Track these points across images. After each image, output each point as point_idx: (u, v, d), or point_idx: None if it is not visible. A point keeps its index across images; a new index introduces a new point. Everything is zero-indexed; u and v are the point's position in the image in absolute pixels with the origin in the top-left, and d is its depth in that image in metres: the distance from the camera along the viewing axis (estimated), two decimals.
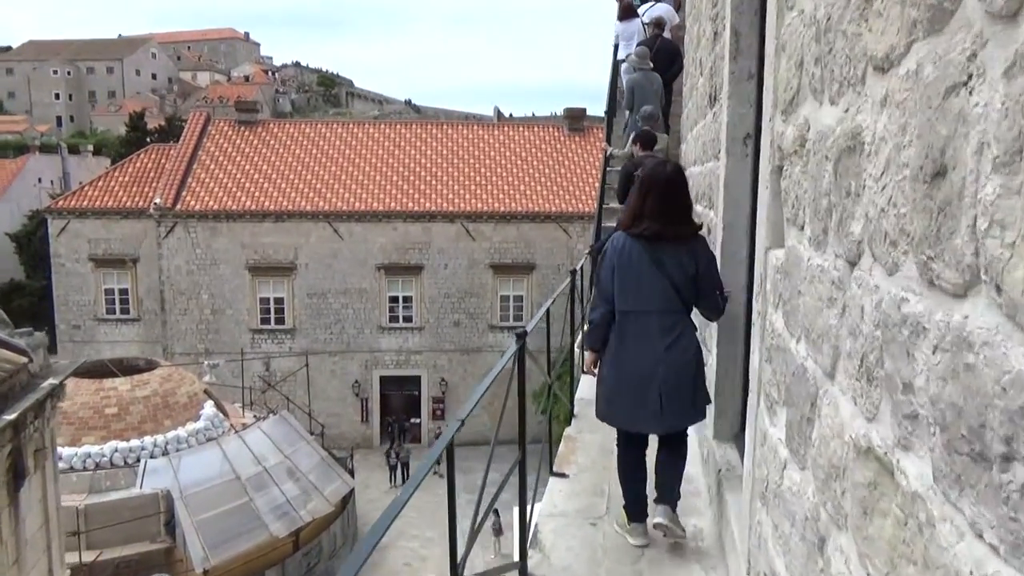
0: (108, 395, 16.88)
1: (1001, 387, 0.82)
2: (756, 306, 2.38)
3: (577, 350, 6.51)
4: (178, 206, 25.54)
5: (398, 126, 31.51)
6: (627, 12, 10.27)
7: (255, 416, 19.62)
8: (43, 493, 8.33)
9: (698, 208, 4.67)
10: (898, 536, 1.10)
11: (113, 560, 14.44)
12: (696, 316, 3.50)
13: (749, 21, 3.59)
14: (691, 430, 4.36)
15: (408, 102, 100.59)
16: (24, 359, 7.75)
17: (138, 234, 26.71)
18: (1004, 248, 0.82)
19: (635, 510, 3.43)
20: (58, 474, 8.95)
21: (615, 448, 3.58)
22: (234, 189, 26.38)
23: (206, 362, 23.00)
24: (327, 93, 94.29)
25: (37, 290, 34.28)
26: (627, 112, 9.06)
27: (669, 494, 3.42)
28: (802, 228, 1.82)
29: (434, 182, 27.34)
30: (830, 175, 1.55)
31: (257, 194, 26.31)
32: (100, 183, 28.38)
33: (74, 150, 53.78)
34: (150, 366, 18.99)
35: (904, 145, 1.13)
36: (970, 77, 0.92)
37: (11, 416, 7.04)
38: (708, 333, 3.90)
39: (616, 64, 10.49)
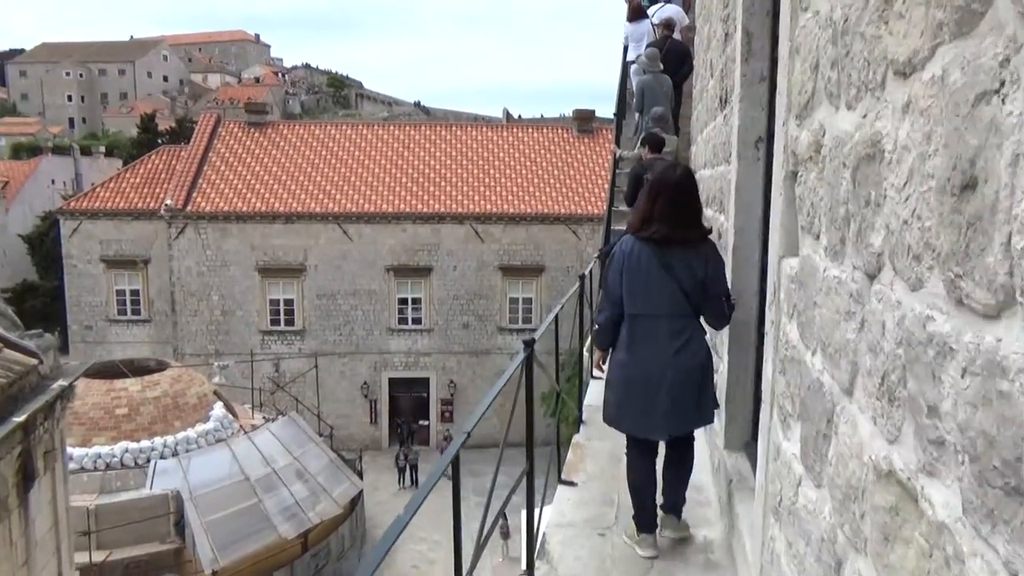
0: (119, 396, 16.95)
1: None
2: (769, 315, 2.32)
3: (586, 354, 6.46)
4: (189, 207, 25.65)
5: (407, 127, 31.54)
6: (636, 13, 10.20)
7: (264, 417, 19.66)
8: (53, 494, 8.35)
9: (708, 212, 4.61)
10: (922, 567, 1.04)
11: (123, 560, 14.49)
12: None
13: (761, 22, 3.52)
14: (701, 438, 4.33)
15: (417, 103, 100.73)
16: (34, 361, 7.77)
17: (149, 235, 26.84)
18: None
19: (644, 520, 3.38)
20: (68, 475, 8.97)
21: (624, 456, 3.54)
22: (244, 190, 26.46)
23: (216, 363, 23.09)
24: (337, 95, 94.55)
25: (49, 291, 34.48)
26: (637, 114, 9.00)
27: (675, 501, 3.42)
28: (818, 237, 1.76)
29: (443, 183, 27.33)
30: (848, 183, 1.49)
31: (267, 195, 26.39)
32: (112, 184, 28.55)
33: (86, 152, 54.16)
34: (160, 367, 19.07)
35: (929, 155, 1.07)
36: (1002, 84, 0.86)
37: (21, 418, 7.05)
38: (719, 339, 3.83)
39: (625, 66, 10.42)
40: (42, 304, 34.75)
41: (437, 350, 26.79)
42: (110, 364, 19.13)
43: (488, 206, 26.60)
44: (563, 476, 4.20)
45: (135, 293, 27.53)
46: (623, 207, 8.26)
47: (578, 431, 5.07)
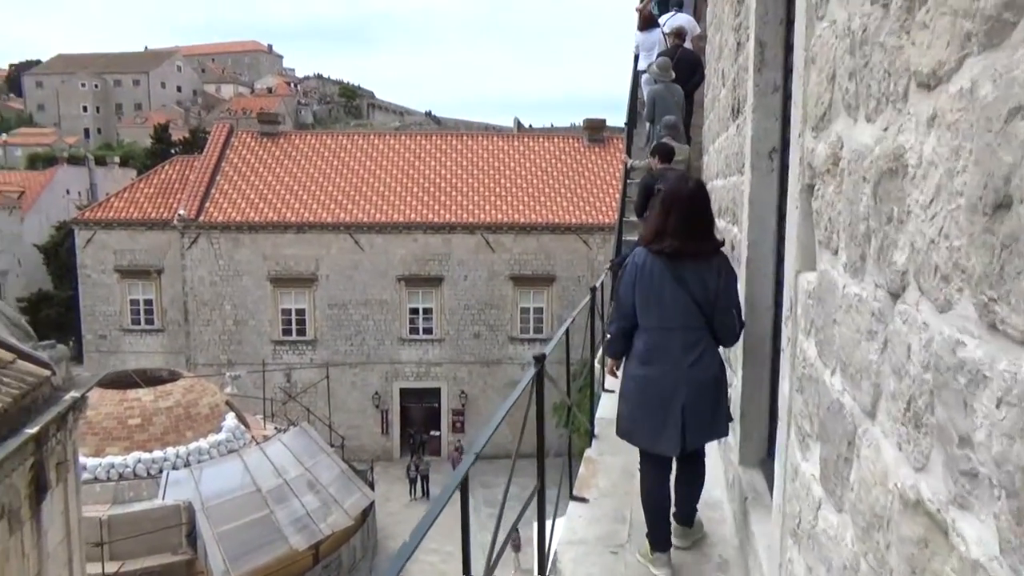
0: (132, 406, 17.01)
1: None
2: (785, 331, 2.27)
3: (597, 366, 6.40)
4: (201, 217, 25.80)
5: (418, 137, 31.64)
6: (647, 22, 10.17)
7: (276, 428, 19.67)
8: (65, 506, 8.35)
9: (721, 223, 4.55)
10: None
11: (135, 571, 14.50)
12: None
13: (774, 31, 3.48)
14: (715, 452, 4.26)
15: (428, 113, 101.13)
16: (47, 372, 7.79)
17: (162, 245, 27.02)
18: None
19: (658, 538, 3.34)
20: (80, 486, 8.98)
21: (637, 471, 3.50)
22: (256, 200, 26.60)
23: (228, 373, 23.14)
24: (348, 105, 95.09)
25: (64, 300, 34.77)
26: (648, 123, 8.95)
27: (687, 513, 3.45)
28: (836, 252, 1.71)
29: (454, 193, 27.37)
30: (868, 198, 1.44)
31: (279, 205, 26.51)
32: (125, 194, 28.77)
33: (101, 162, 54.73)
34: (173, 377, 19.13)
35: (957, 171, 1.02)
36: None
37: (33, 429, 7.06)
38: (733, 354, 3.77)
39: (636, 75, 10.39)
40: (57, 314, 35.05)
41: (448, 360, 26.76)
42: (123, 374, 19.23)
43: (499, 216, 26.59)
44: (575, 492, 4.14)
45: (148, 303, 27.70)
46: (634, 217, 8.21)
47: (590, 445, 5.01)
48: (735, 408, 3.57)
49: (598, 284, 5.98)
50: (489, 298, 26.50)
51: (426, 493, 23.81)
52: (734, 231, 4.09)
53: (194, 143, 47.38)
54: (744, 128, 3.78)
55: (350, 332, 26.46)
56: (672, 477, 3.42)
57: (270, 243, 26.05)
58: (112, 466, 15.70)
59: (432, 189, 27.49)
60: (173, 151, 46.70)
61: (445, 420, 27.26)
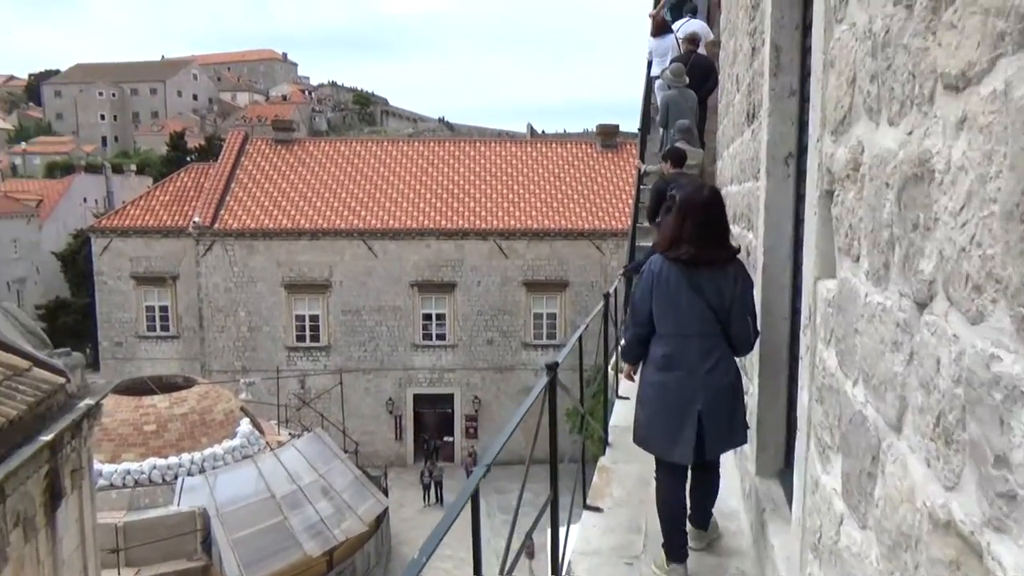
0: (147, 412, 17.10)
1: None
2: (804, 339, 2.22)
3: (611, 371, 6.34)
4: (216, 224, 25.97)
5: (432, 144, 31.72)
6: (661, 28, 10.13)
7: (290, 434, 19.70)
8: (80, 513, 8.38)
9: (735, 229, 4.50)
10: None
11: None
12: None
13: (790, 35, 3.44)
14: (730, 461, 4.20)
15: (442, 120, 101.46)
16: (62, 379, 7.83)
17: (178, 252, 27.20)
18: None
19: (674, 548, 3.31)
20: (95, 493, 9.01)
21: (652, 480, 3.47)
22: (271, 207, 26.75)
23: (242, 380, 23.24)
24: (362, 112, 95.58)
25: (81, 307, 35.10)
26: (661, 129, 8.91)
27: (703, 517, 3.48)
28: (857, 260, 1.66)
29: (467, 199, 27.40)
30: (892, 204, 1.40)
31: (293, 212, 26.64)
32: (141, 202, 29.02)
33: (118, 169, 55.31)
34: (188, 383, 19.22)
35: (991, 176, 0.98)
36: None
37: (48, 437, 7.09)
38: (749, 362, 3.71)
39: (650, 80, 10.35)
40: (74, 321, 35.39)
41: (461, 366, 26.74)
42: (139, 380, 19.34)
43: (512, 222, 26.59)
44: (588, 501, 4.09)
45: (164, 309, 27.89)
46: (647, 223, 8.16)
47: (604, 452, 4.96)
48: (751, 417, 3.52)
49: (611, 290, 5.93)
50: (502, 304, 26.47)
51: (440, 499, 23.76)
52: (749, 237, 4.04)
53: (209, 151, 47.76)
54: (759, 133, 3.73)
55: (364, 338, 26.51)
56: (687, 485, 3.41)
57: (284, 250, 26.17)
58: (128, 472, 15.78)
59: (445, 195, 27.54)
60: (189, 159, 47.11)
61: (458, 426, 27.23)
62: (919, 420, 1.23)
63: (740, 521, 3.78)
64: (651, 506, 3.50)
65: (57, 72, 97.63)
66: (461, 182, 28.07)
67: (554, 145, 31.35)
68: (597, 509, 4.01)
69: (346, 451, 20.63)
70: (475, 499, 2.01)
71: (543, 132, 67.20)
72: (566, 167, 28.71)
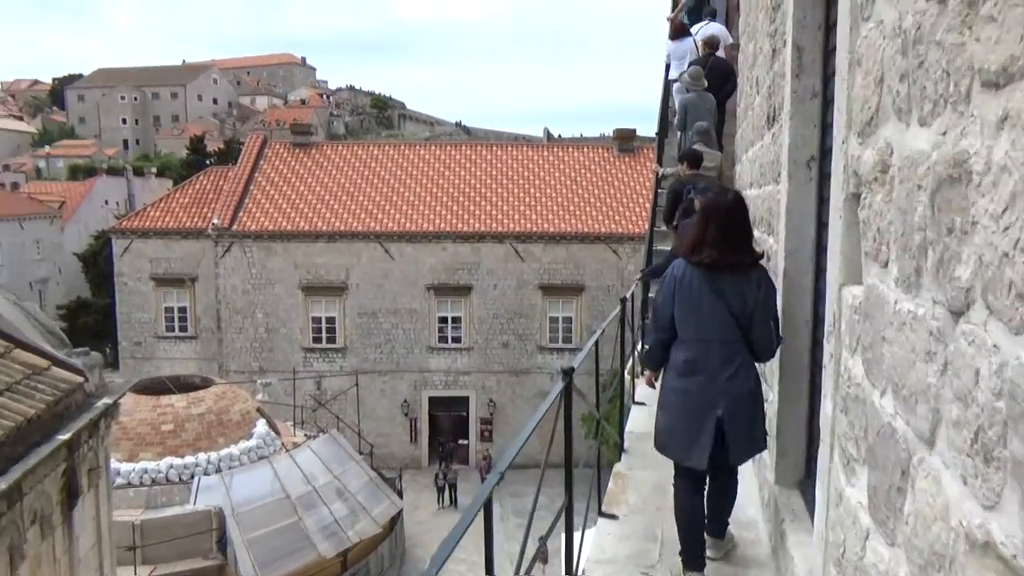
0: (165, 412, 17.23)
1: None
2: (828, 347, 2.15)
3: (627, 377, 6.28)
4: (235, 226, 26.16)
5: (448, 147, 31.77)
6: (679, 31, 10.06)
7: (306, 435, 19.77)
8: (96, 512, 8.44)
9: (755, 233, 4.43)
10: None
11: None
12: None
13: (812, 36, 3.37)
14: (748, 469, 4.13)
15: (458, 123, 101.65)
16: (80, 379, 7.88)
17: (197, 254, 27.43)
18: None
19: (691, 557, 3.28)
20: (111, 492, 9.07)
21: (669, 487, 3.43)
22: (288, 210, 26.90)
23: (259, 380, 23.36)
24: (380, 115, 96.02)
25: (102, 308, 35.48)
26: (679, 132, 8.84)
27: (719, 526, 3.44)
28: (885, 265, 1.61)
29: (483, 203, 27.40)
30: (925, 207, 1.34)
31: (310, 215, 26.78)
32: (162, 204, 29.30)
33: (139, 172, 56.00)
34: (205, 384, 19.36)
35: None
36: None
37: (66, 436, 7.13)
38: (769, 368, 3.65)
39: (667, 84, 10.28)
40: (95, 321, 35.79)
41: (477, 369, 26.73)
42: (157, 380, 19.51)
43: (528, 225, 26.56)
44: (604, 508, 4.03)
45: (183, 310, 28.12)
46: (665, 227, 8.09)
47: (619, 458, 4.90)
48: (770, 424, 3.46)
49: (628, 294, 5.87)
50: (518, 307, 26.43)
51: (454, 502, 23.74)
52: (769, 241, 3.98)
53: (229, 154, 48.17)
54: (780, 136, 3.67)
55: (380, 340, 26.58)
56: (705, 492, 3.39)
57: (302, 252, 26.31)
58: (145, 471, 15.90)
59: (461, 199, 27.56)
60: (208, 162, 47.54)
61: (473, 429, 27.21)
62: (954, 435, 1.17)
63: (758, 531, 3.71)
64: (667, 514, 3.44)
65: (80, 77, 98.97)
66: (478, 185, 28.09)
67: (571, 149, 31.29)
68: (612, 516, 3.96)
69: (361, 453, 20.67)
70: (488, 507, 1.97)
71: (559, 136, 67.13)
72: (582, 171, 28.64)
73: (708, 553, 3.37)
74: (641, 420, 5.40)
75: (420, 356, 26.68)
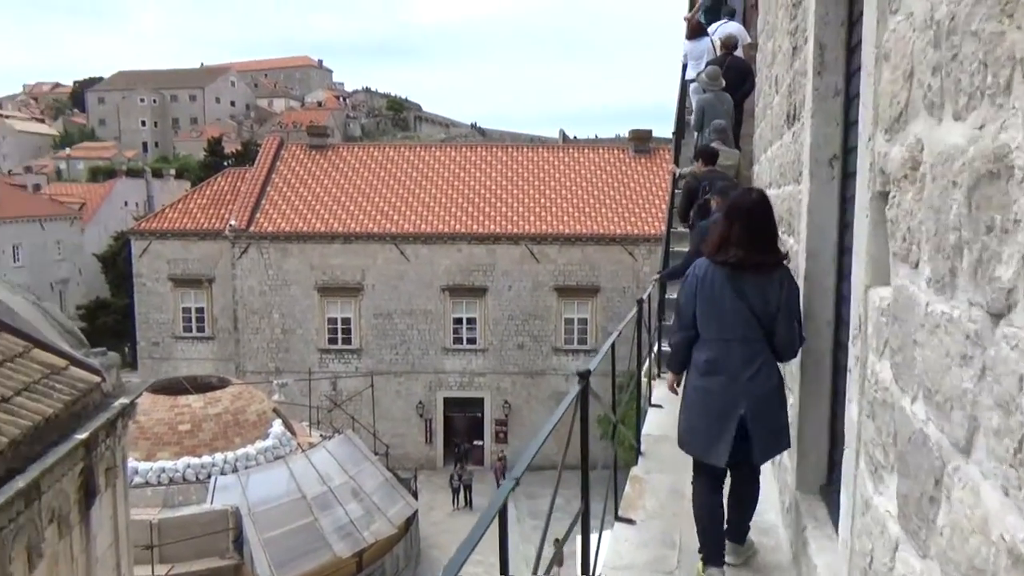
0: (182, 412, 17.35)
1: None
2: (853, 350, 2.09)
3: (644, 379, 6.21)
4: (251, 228, 26.32)
5: (464, 149, 31.79)
6: (696, 31, 9.98)
7: (321, 435, 19.83)
8: (114, 511, 8.48)
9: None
10: None
11: (184, 575, 14.71)
12: None
13: (835, 33, 3.31)
14: (768, 472, 4.06)
15: (474, 125, 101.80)
16: (97, 378, 7.93)
17: (214, 255, 27.63)
18: None
19: (711, 553, 3.27)
20: (128, 492, 9.11)
21: (687, 492, 3.39)
22: (305, 211, 27.03)
23: (275, 381, 23.48)
24: (396, 117, 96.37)
25: (121, 308, 35.85)
26: (696, 133, 8.76)
27: (740, 531, 3.41)
28: (916, 266, 1.55)
29: (499, 204, 27.39)
30: (960, 205, 1.28)
31: (327, 216, 26.89)
32: (180, 205, 29.55)
33: (158, 174, 56.57)
34: (222, 384, 19.47)
35: None
36: None
37: (83, 435, 7.17)
38: (789, 371, 3.59)
39: (684, 84, 10.20)
40: (114, 321, 36.17)
41: (492, 370, 26.71)
42: (175, 380, 19.67)
43: (543, 227, 26.51)
44: (621, 513, 3.97)
45: (200, 311, 28.33)
46: (682, 228, 8.02)
47: (635, 460, 4.84)
48: (791, 428, 3.39)
49: (645, 296, 5.81)
50: (533, 309, 26.39)
51: (469, 503, 23.73)
52: (790, 242, 3.91)
53: (246, 155, 48.55)
54: (801, 135, 3.61)
55: (395, 341, 26.63)
56: (726, 494, 3.37)
57: (318, 253, 26.42)
58: (163, 470, 16.01)
59: (477, 200, 27.56)
60: (226, 163, 47.92)
61: (488, 430, 27.18)
62: (994, 443, 1.11)
63: (779, 537, 3.64)
64: (685, 520, 3.39)
65: (101, 80, 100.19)
66: (493, 187, 28.08)
67: (586, 150, 31.20)
68: (630, 521, 3.90)
69: (376, 453, 20.71)
70: (503, 514, 1.93)
71: (575, 138, 67.04)
72: (598, 172, 28.55)
73: (728, 559, 3.34)
74: (658, 423, 5.34)
75: (435, 357, 26.69)
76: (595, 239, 26.17)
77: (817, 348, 3.28)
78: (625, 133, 32.51)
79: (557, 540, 3.32)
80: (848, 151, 3.14)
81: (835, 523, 2.78)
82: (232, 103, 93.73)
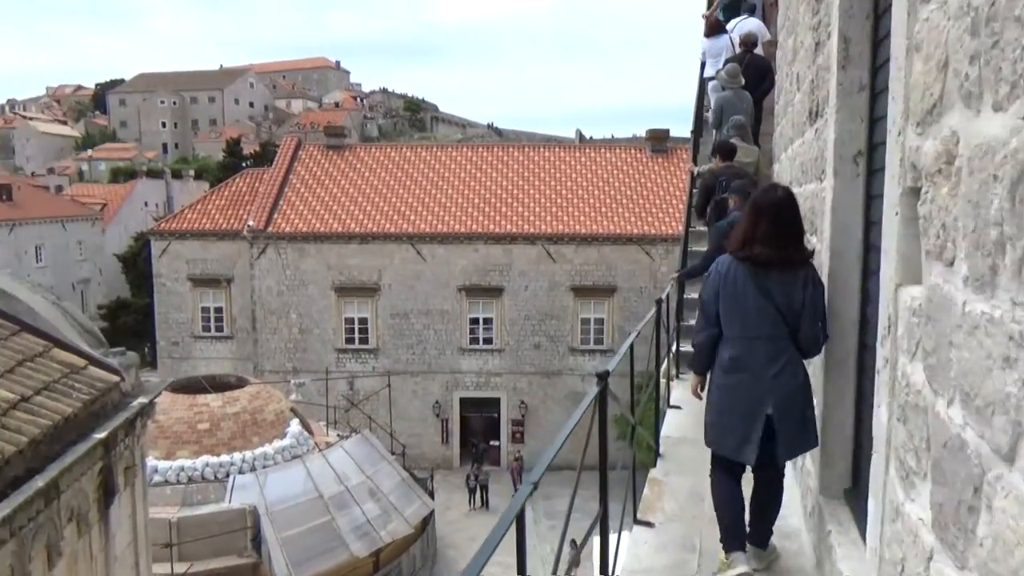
0: (201, 411, 17.48)
1: None
2: (882, 351, 2.03)
3: (663, 380, 6.14)
4: (269, 228, 26.47)
5: (480, 149, 31.78)
6: (715, 28, 9.87)
7: (338, 435, 19.90)
8: (132, 509, 8.53)
9: None
10: None
11: (202, 573, 14.82)
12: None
13: (860, 26, 3.23)
14: (790, 475, 3.99)
15: (490, 125, 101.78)
16: (116, 378, 7.98)
17: (232, 255, 27.82)
18: None
19: (733, 539, 3.23)
20: (147, 490, 9.17)
21: (707, 494, 3.34)
22: (322, 212, 27.15)
23: (293, 381, 23.60)
24: (413, 118, 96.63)
25: (141, 308, 36.20)
26: (714, 131, 8.67)
27: (763, 535, 3.35)
28: (951, 264, 1.49)
29: (515, 204, 27.35)
30: (1002, 200, 1.22)
31: (344, 216, 26.99)
32: (199, 206, 29.80)
33: (177, 175, 57.12)
34: (240, 383, 19.60)
35: None
36: None
37: (102, 434, 7.21)
38: (813, 373, 3.51)
39: (703, 82, 10.10)
40: (134, 321, 36.54)
41: (508, 370, 26.68)
42: (193, 380, 19.82)
43: (560, 226, 26.44)
44: (639, 515, 3.92)
45: (219, 311, 28.54)
46: (700, 227, 7.94)
47: (653, 462, 4.78)
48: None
49: (664, 296, 5.74)
50: (550, 309, 26.32)
51: (485, 503, 23.72)
52: (813, 241, 3.84)
53: (264, 156, 48.86)
54: (825, 131, 3.54)
55: (412, 341, 26.67)
56: (747, 496, 3.33)
57: (335, 253, 26.53)
58: (182, 469, 16.14)
59: (493, 200, 27.54)
60: (244, 164, 48.25)
61: (505, 430, 27.16)
62: None
63: (801, 541, 3.57)
64: (705, 522, 3.33)
65: (121, 82, 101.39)
66: (509, 187, 28.04)
67: (603, 150, 31.08)
68: (648, 524, 3.84)
69: (393, 453, 20.75)
70: (520, 519, 1.88)
71: (591, 137, 66.84)
72: (615, 172, 28.43)
73: (750, 564, 3.28)
74: (677, 424, 5.28)
75: (452, 357, 26.71)
76: (612, 239, 26.06)
77: (841, 349, 3.21)
78: (642, 133, 32.35)
79: (574, 541, 3.28)
80: (873, 147, 3.06)
81: (860, 528, 2.71)
82: (251, 104, 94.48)
